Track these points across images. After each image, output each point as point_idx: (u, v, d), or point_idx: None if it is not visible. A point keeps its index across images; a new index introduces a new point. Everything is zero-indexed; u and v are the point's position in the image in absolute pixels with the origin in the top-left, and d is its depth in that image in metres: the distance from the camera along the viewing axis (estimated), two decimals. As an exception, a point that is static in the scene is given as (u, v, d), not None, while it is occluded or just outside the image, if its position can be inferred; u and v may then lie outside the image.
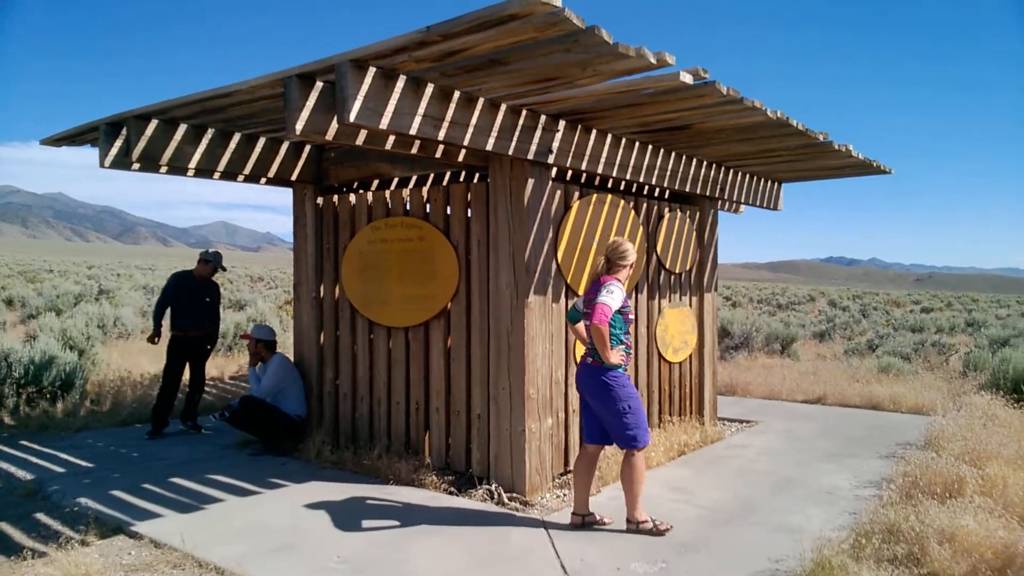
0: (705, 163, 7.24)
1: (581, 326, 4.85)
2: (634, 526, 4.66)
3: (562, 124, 5.43)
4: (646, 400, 7.00)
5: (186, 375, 7.76)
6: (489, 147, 4.85)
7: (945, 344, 14.66)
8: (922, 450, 6.35)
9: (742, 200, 8.08)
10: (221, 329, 8.17)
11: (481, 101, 4.76)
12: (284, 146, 6.50)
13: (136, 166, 5.59)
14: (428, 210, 6.19)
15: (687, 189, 7.04)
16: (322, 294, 6.95)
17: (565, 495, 5.46)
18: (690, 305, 7.80)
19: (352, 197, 6.72)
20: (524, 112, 5.09)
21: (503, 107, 4.93)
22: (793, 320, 20.78)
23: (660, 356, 7.20)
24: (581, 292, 5.99)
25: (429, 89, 4.40)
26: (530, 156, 5.17)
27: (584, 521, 4.77)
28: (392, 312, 6.34)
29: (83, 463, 6.32)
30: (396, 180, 7.22)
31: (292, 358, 7.16)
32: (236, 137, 6.05)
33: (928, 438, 6.77)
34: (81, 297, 18.57)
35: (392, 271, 6.33)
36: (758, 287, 71.79)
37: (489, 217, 5.54)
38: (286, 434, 6.73)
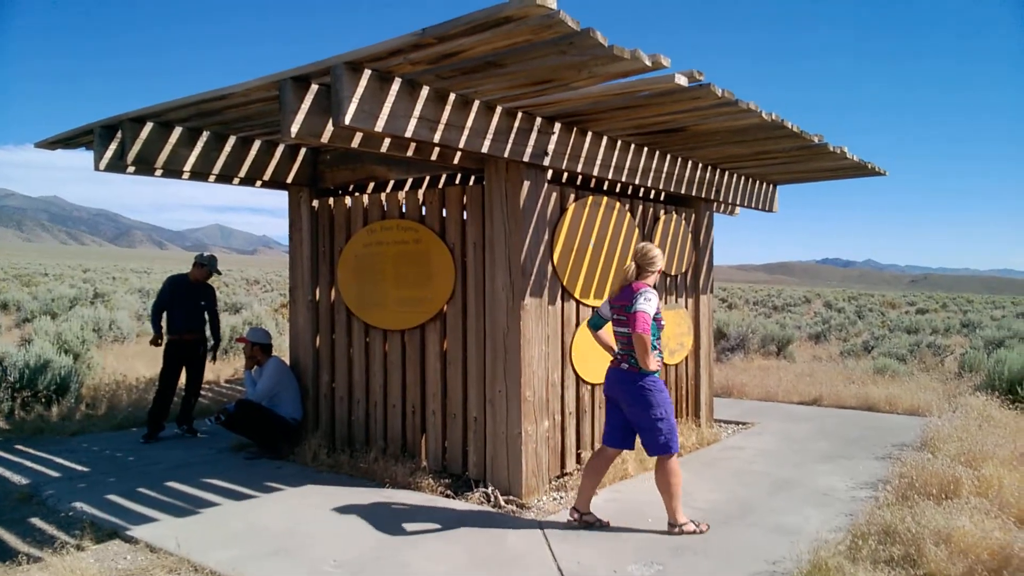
0: (700, 165, 7.25)
1: (606, 333, 4.86)
2: (677, 529, 4.67)
3: (558, 126, 5.44)
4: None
5: (182, 379, 7.75)
6: (485, 149, 4.85)
7: (940, 345, 14.69)
8: (918, 451, 6.37)
9: (737, 202, 8.10)
10: (220, 331, 8.14)
11: (477, 103, 4.76)
12: (279, 149, 6.49)
13: (131, 169, 5.58)
14: (424, 213, 6.19)
15: (682, 191, 7.05)
16: (318, 297, 6.94)
17: (562, 497, 5.46)
18: (686, 307, 7.80)
19: (348, 200, 6.71)
20: (520, 114, 5.09)
21: (499, 109, 4.93)
22: (789, 322, 20.81)
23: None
24: (577, 295, 6.00)
25: (424, 91, 4.40)
26: (526, 158, 5.17)
27: (582, 520, 4.77)
28: (388, 315, 6.33)
29: (78, 467, 6.30)
30: (392, 183, 7.22)
31: (288, 361, 7.15)
32: (231, 140, 6.04)
33: (924, 439, 6.79)
34: (76, 301, 18.52)
35: (388, 274, 6.32)
36: (754, 289, 71.90)
37: (485, 219, 5.54)
38: (282, 437, 6.71)
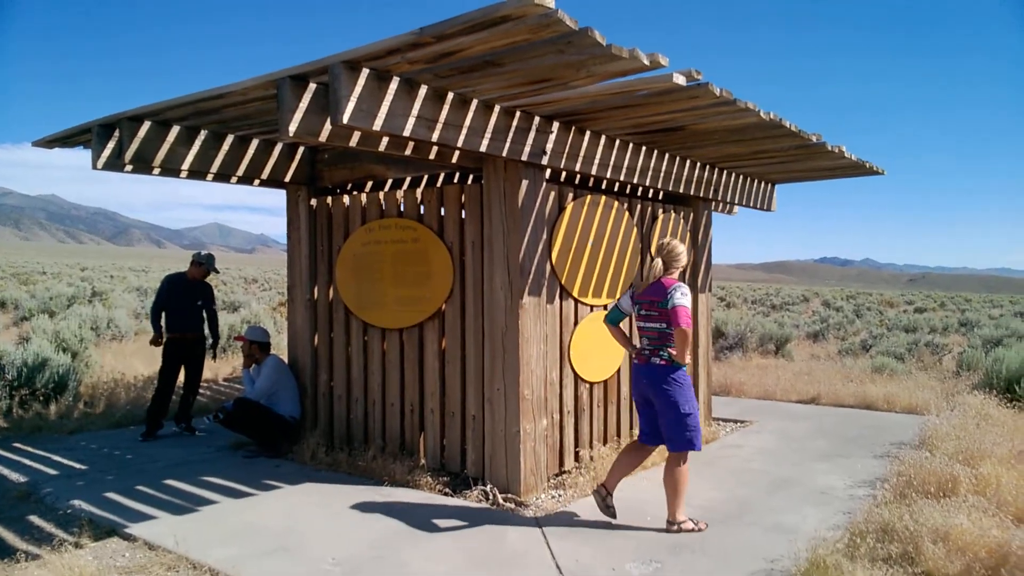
0: (699, 164, 7.26)
1: (624, 327, 4.90)
2: (676, 527, 4.69)
3: (556, 125, 5.44)
4: (641, 401, 7.00)
5: (181, 377, 7.75)
6: (483, 148, 4.85)
7: (939, 344, 14.71)
8: (916, 449, 6.38)
9: (736, 201, 8.10)
10: (219, 330, 8.15)
11: (475, 102, 4.76)
12: (277, 148, 6.49)
13: (129, 168, 5.58)
14: (422, 211, 6.19)
15: (681, 190, 7.05)
16: (316, 296, 6.94)
17: (560, 495, 5.46)
18: (684, 306, 7.80)
19: (346, 199, 6.71)
20: (518, 114, 5.09)
21: (497, 108, 4.93)
22: (787, 320, 20.83)
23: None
24: (576, 293, 6.01)
25: (423, 91, 4.40)
26: (524, 157, 5.17)
27: (605, 502, 4.85)
28: (386, 314, 6.34)
29: (77, 465, 6.30)
30: (390, 182, 7.22)
31: (286, 360, 7.15)
32: (229, 139, 6.03)
33: (922, 438, 6.80)
34: (74, 299, 18.51)
35: (386, 273, 6.32)
36: (752, 288, 71.93)
37: (483, 218, 5.54)
38: (280, 436, 6.72)
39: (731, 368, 12.09)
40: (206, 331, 7.91)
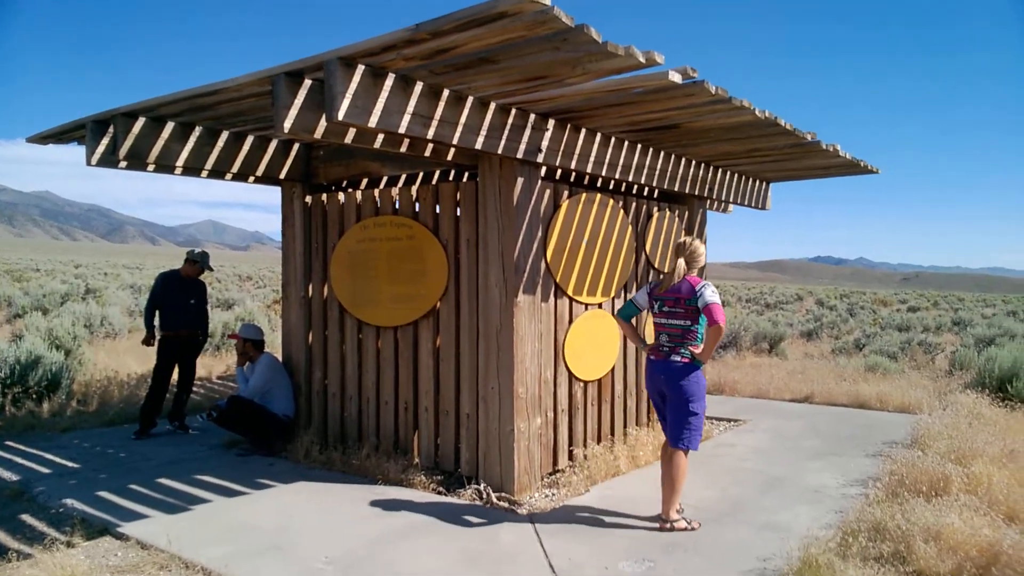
0: (694, 162, 7.26)
1: (646, 323, 4.89)
2: (668, 525, 4.71)
3: (551, 123, 5.43)
4: (635, 399, 7.01)
5: (174, 375, 7.72)
6: (478, 146, 4.84)
7: (931, 343, 14.76)
8: (908, 448, 6.40)
9: (730, 200, 8.11)
10: (209, 328, 8.13)
11: (470, 100, 4.75)
12: (272, 144, 6.47)
13: (123, 164, 5.55)
14: (417, 209, 6.18)
15: (676, 188, 7.05)
16: (311, 293, 6.93)
17: (554, 494, 5.46)
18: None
19: (341, 196, 6.69)
20: (513, 111, 5.08)
21: (492, 106, 4.92)
22: (781, 319, 20.88)
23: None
24: (570, 292, 6.00)
25: (418, 87, 4.39)
26: (519, 155, 5.16)
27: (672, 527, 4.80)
28: (381, 311, 6.32)
29: (69, 464, 6.28)
30: (385, 179, 7.20)
31: (280, 358, 7.14)
32: (224, 135, 6.01)
33: (914, 437, 6.82)
34: (68, 296, 18.42)
35: (381, 270, 6.31)
36: (746, 286, 72.08)
37: (478, 216, 5.54)
38: (274, 434, 6.70)
39: (725, 367, 12.10)
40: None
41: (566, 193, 6.01)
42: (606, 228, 6.45)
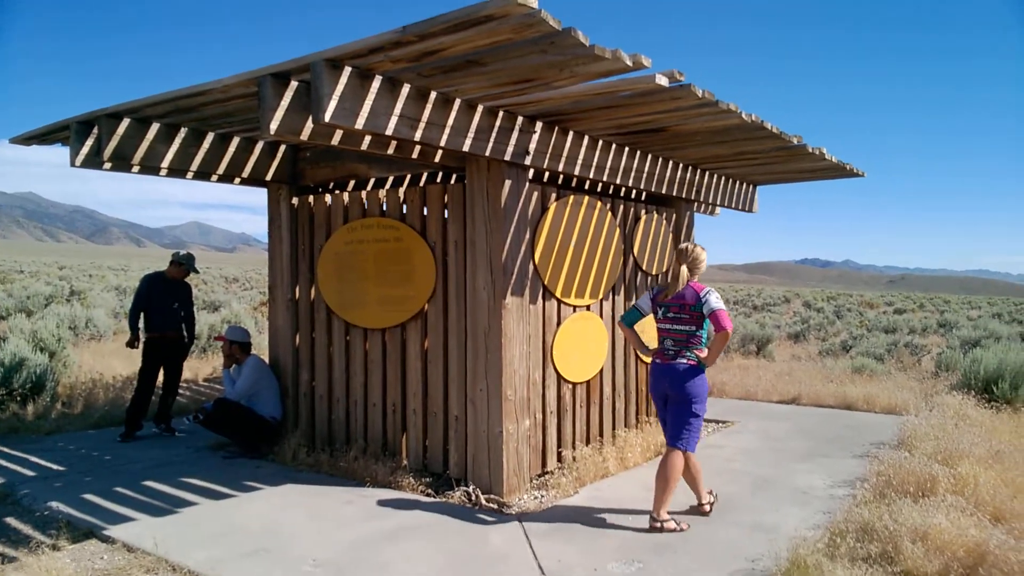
0: (681, 165, 7.28)
1: (647, 328, 4.91)
2: (658, 525, 4.72)
3: (539, 126, 5.43)
4: (624, 401, 7.02)
5: (160, 377, 7.67)
6: (466, 148, 4.84)
7: (918, 345, 14.87)
8: (895, 449, 6.43)
9: (718, 202, 8.14)
10: (195, 331, 8.09)
11: (458, 102, 4.75)
12: (258, 146, 6.44)
13: (108, 165, 5.51)
14: (405, 211, 6.17)
15: (663, 191, 7.07)
16: (298, 295, 6.90)
17: (543, 496, 5.46)
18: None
19: (328, 197, 6.67)
20: (501, 113, 5.08)
21: (480, 108, 4.92)
22: (768, 321, 20.98)
23: (637, 357, 7.22)
24: (559, 294, 6.00)
25: (405, 89, 4.38)
26: (507, 157, 5.16)
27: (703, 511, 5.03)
28: (369, 313, 6.31)
29: (54, 466, 6.22)
30: (372, 180, 7.19)
31: (267, 360, 7.10)
32: (210, 136, 5.98)
33: (901, 438, 6.86)
34: (52, 298, 18.28)
35: (368, 272, 6.29)
36: (734, 288, 72.34)
37: (466, 218, 5.53)
38: (261, 436, 6.67)
39: (713, 368, 12.13)
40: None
41: (554, 195, 6.02)
42: (594, 230, 6.46)
